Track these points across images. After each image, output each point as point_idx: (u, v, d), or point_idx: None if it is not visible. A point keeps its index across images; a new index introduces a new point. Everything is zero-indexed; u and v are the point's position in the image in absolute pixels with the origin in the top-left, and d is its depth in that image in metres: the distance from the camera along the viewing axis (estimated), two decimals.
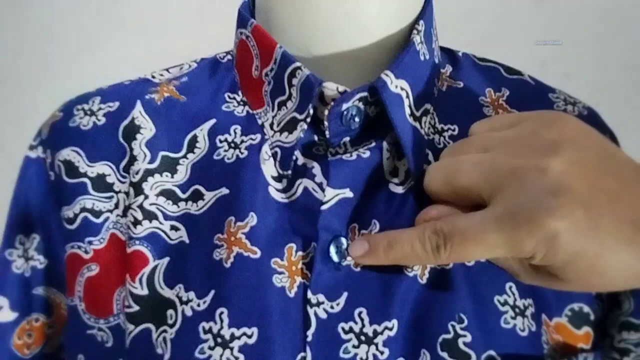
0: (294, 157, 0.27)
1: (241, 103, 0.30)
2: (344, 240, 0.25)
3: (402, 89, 0.26)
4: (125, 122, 0.29)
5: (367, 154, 0.26)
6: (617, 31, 1.05)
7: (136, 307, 0.26)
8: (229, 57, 0.33)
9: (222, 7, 1.25)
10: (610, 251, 0.21)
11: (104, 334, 0.28)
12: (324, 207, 0.25)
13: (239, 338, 0.24)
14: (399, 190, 0.27)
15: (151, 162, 0.28)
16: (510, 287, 0.26)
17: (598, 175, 0.21)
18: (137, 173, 0.28)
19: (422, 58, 0.28)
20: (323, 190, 0.26)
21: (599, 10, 1.05)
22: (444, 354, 0.24)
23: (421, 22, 0.29)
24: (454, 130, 0.30)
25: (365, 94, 0.26)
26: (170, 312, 0.25)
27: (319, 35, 0.28)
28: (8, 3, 1.29)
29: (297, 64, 0.26)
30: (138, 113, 0.30)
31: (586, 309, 0.28)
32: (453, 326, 0.24)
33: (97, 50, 1.27)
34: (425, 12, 0.30)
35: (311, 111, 0.26)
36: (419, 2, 0.30)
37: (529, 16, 1.08)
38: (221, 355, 0.24)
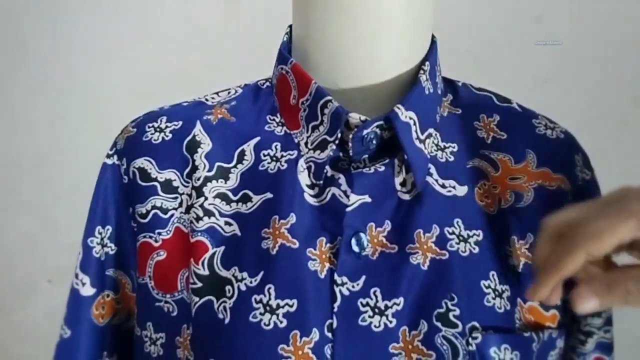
0: (325, 170, 0.34)
1: (280, 124, 0.37)
2: (363, 235, 0.33)
3: (410, 118, 0.34)
4: (188, 138, 0.37)
5: (382, 168, 0.34)
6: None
7: (199, 284, 0.33)
8: (268, 84, 0.40)
9: (242, 23, 1.33)
10: None
11: (170, 306, 0.35)
12: (348, 209, 0.33)
13: (282, 307, 0.31)
14: (407, 197, 0.34)
15: (209, 170, 0.36)
16: (493, 275, 0.33)
17: None
18: (198, 179, 0.36)
19: (427, 92, 0.36)
20: (347, 196, 0.33)
21: None
22: (438, 324, 0.31)
23: (427, 63, 0.36)
24: (454, 147, 0.37)
25: (381, 122, 0.33)
26: (228, 287, 0.33)
27: (346, 74, 0.35)
28: (36, 15, 1.36)
29: (329, 97, 0.34)
30: (198, 131, 0.37)
31: None
32: (446, 303, 0.32)
33: (121, 59, 1.35)
34: (431, 54, 0.37)
35: (339, 135, 0.33)
36: (425, 46, 0.37)
37: None
38: (270, 320, 0.31)
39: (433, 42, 0.38)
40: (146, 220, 0.36)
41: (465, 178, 0.36)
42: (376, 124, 0.33)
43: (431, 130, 0.36)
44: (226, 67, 1.03)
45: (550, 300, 0.28)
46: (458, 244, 0.34)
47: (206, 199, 0.35)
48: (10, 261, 1.44)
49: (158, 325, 0.36)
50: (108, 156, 0.39)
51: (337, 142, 0.34)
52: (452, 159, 0.36)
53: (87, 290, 0.38)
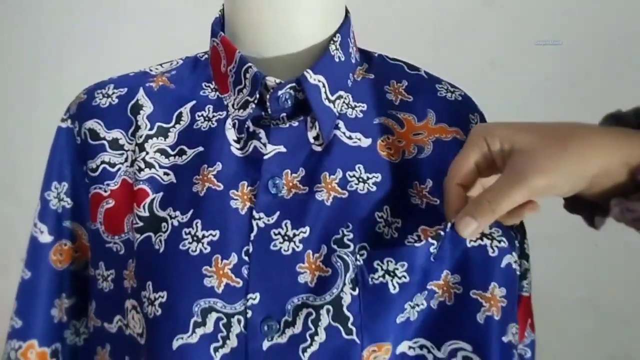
0: (246, 126, 0.40)
1: (213, 90, 0.43)
2: (278, 179, 0.39)
3: (319, 81, 0.40)
4: (132, 102, 0.43)
5: (296, 124, 0.40)
6: None
7: (141, 224, 0.39)
8: (206, 56, 0.46)
9: (208, 11, 1.36)
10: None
11: (117, 246, 0.41)
12: (265, 157, 0.39)
13: (207, 237, 0.37)
14: (318, 149, 0.41)
15: (150, 129, 0.42)
16: (386, 209, 0.39)
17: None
18: (140, 137, 0.41)
19: (337, 60, 0.42)
20: (266, 147, 0.39)
21: None
22: (334, 246, 0.37)
23: (338, 34, 0.42)
24: (363, 107, 0.43)
25: (293, 84, 0.39)
26: (163, 224, 0.39)
27: (266, 45, 0.41)
28: (20, 4, 1.37)
29: (249, 64, 0.40)
30: (141, 96, 0.43)
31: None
32: (342, 230, 0.38)
33: (99, 46, 1.37)
34: (343, 27, 0.43)
35: (257, 95, 0.39)
36: (338, 20, 0.43)
37: None
38: (196, 247, 0.37)
39: (347, 17, 0.44)
40: (96, 174, 0.42)
41: (370, 132, 0.42)
42: (289, 85, 0.39)
43: (341, 93, 0.42)
44: (203, 47, 1.08)
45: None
46: (357, 184, 0.40)
47: (147, 153, 0.41)
48: None
49: (108, 264, 0.41)
50: (62, 120, 0.44)
51: (256, 101, 0.39)
52: (361, 116, 0.42)
53: (45, 238, 0.44)
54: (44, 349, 0.43)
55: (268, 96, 0.39)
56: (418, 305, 0.38)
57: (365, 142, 0.41)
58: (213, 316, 0.36)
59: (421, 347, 0.38)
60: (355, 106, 0.43)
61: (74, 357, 0.45)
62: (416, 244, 0.37)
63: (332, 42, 0.42)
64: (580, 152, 0.34)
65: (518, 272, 0.40)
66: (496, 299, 0.38)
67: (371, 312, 0.36)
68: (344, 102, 0.42)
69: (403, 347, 0.38)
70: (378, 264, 0.37)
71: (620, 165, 0.34)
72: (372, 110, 0.43)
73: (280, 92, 0.39)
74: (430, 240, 0.37)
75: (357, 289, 0.37)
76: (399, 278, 0.37)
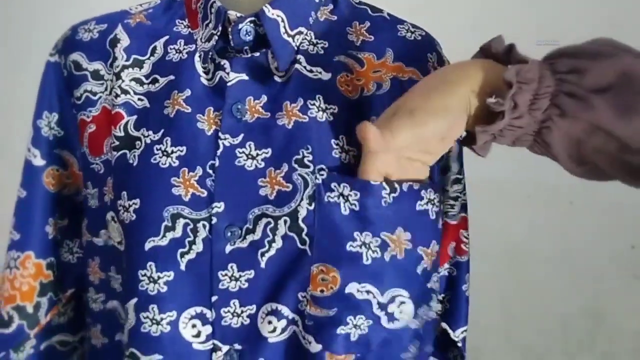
0: (210, 56, 0.44)
1: (186, 27, 0.47)
2: (241, 105, 0.43)
3: (278, 16, 0.44)
4: (111, 36, 0.47)
5: (258, 54, 0.44)
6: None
7: (117, 143, 0.44)
8: None
9: None
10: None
11: (98, 166, 0.46)
12: (229, 84, 0.43)
13: (175, 152, 0.42)
14: (280, 80, 0.45)
15: (127, 60, 0.46)
16: (342, 138, 0.44)
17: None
18: (117, 67, 0.46)
19: None
20: (229, 75, 0.44)
21: None
22: (295, 165, 0.42)
23: None
24: (325, 44, 0.46)
25: (253, 18, 0.43)
26: (137, 142, 0.43)
27: None
28: None
29: (214, 0, 0.44)
30: (119, 31, 0.47)
31: None
32: (302, 152, 0.42)
33: (81, 4, 1.39)
34: None
35: (220, 28, 0.43)
36: None
37: None
38: (166, 161, 0.42)
39: None
40: (80, 102, 0.46)
41: (330, 68, 0.46)
42: (248, 19, 0.43)
43: (302, 29, 0.46)
44: None
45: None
46: (317, 112, 0.44)
47: (123, 81, 0.45)
48: None
49: (94, 183, 0.47)
50: (51, 55, 0.48)
51: (219, 34, 0.44)
52: (322, 52, 0.46)
53: (38, 162, 0.48)
54: (39, 261, 0.49)
55: (230, 29, 0.43)
56: (372, 251, 0.41)
57: (326, 76, 0.45)
58: (181, 222, 0.41)
59: (368, 292, 0.41)
60: (317, 43, 0.46)
61: (67, 272, 0.50)
62: (372, 182, 0.41)
63: None
64: (433, 86, 0.41)
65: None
66: (432, 253, 0.44)
67: (323, 226, 0.41)
68: (304, 38, 0.46)
69: (351, 288, 0.41)
70: (335, 186, 0.41)
71: (469, 95, 0.40)
72: (333, 48, 0.47)
73: (240, 25, 0.43)
74: (383, 184, 0.41)
75: (312, 205, 0.41)
76: (351, 204, 0.41)
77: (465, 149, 0.47)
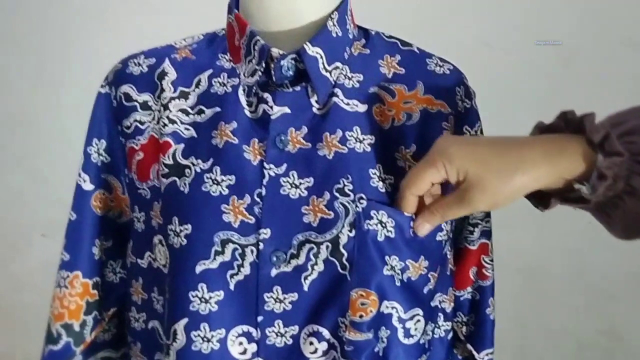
0: (254, 90, 0.47)
1: (228, 60, 0.50)
2: (284, 136, 0.46)
3: (317, 53, 0.47)
4: (159, 70, 0.50)
5: (299, 89, 0.47)
6: None
7: (166, 170, 0.47)
8: (223, 32, 0.53)
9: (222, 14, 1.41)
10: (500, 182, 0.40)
11: (144, 191, 0.49)
12: (272, 117, 0.46)
13: (225, 181, 0.45)
14: (319, 112, 0.47)
15: (174, 92, 0.49)
16: (379, 167, 0.46)
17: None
18: (165, 99, 0.49)
19: (334, 35, 0.48)
20: (272, 109, 0.46)
21: None
22: (337, 194, 0.45)
23: (335, 12, 0.49)
24: (360, 77, 0.49)
25: (294, 55, 0.46)
26: (187, 170, 0.46)
27: (272, 20, 0.48)
28: None
29: (258, 37, 0.47)
30: (166, 65, 0.50)
31: None
32: (343, 181, 0.45)
33: (109, 23, 1.44)
34: (341, 6, 0.49)
35: (264, 65, 0.46)
36: (336, 0, 0.49)
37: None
38: (216, 189, 0.45)
39: None
40: (130, 131, 0.49)
41: (366, 99, 0.48)
42: (290, 56, 0.46)
43: (338, 64, 0.49)
44: (202, 27, 1.14)
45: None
46: (355, 143, 0.47)
47: (171, 112, 0.48)
48: (3, 216, 1.55)
49: (140, 207, 0.49)
50: (102, 87, 0.52)
51: (262, 69, 0.46)
52: (357, 85, 0.49)
53: (88, 186, 0.51)
54: (86, 280, 0.51)
55: (273, 65, 0.46)
56: (396, 273, 0.45)
57: (362, 108, 0.48)
58: (230, 246, 0.44)
59: (393, 307, 0.45)
60: (352, 77, 0.49)
61: (111, 292, 0.53)
62: (405, 214, 0.44)
63: (330, 18, 0.48)
64: (522, 185, 0.41)
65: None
66: (436, 276, 0.47)
67: (362, 252, 0.44)
68: (340, 72, 0.49)
69: (383, 307, 0.44)
70: (374, 214, 0.44)
71: (556, 180, 0.41)
72: (367, 81, 0.49)
73: (283, 62, 0.46)
74: (413, 217, 0.45)
75: (353, 232, 0.44)
76: (388, 231, 0.44)
77: None
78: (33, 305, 1.50)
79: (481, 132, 0.51)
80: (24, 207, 1.51)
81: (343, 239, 0.44)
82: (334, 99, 0.48)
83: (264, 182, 0.45)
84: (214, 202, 0.44)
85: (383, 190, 0.46)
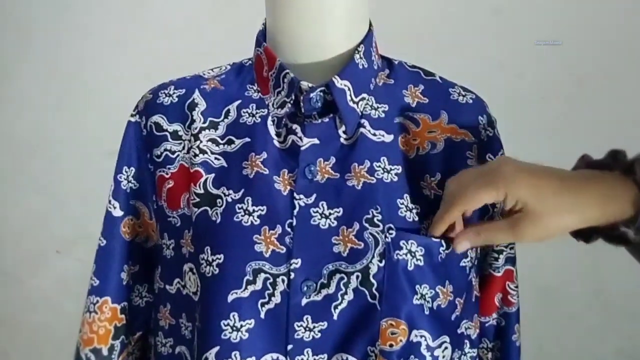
0: (283, 122, 0.48)
1: (256, 91, 0.51)
2: (313, 167, 0.47)
3: (345, 85, 0.48)
4: (189, 100, 0.51)
5: (327, 120, 0.48)
6: None
7: (197, 199, 0.48)
8: (250, 62, 0.54)
9: (230, 16, 1.46)
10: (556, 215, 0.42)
11: (174, 219, 0.49)
12: (302, 148, 0.47)
13: (257, 211, 0.46)
14: (347, 142, 0.48)
15: (204, 123, 0.50)
16: (406, 196, 0.47)
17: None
18: (195, 129, 0.50)
19: (360, 67, 0.49)
20: (302, 140, 0.47)
21: None
22: (366, 224, 0.45)
23: (362, 45, 0.50)
24: (385, 108, 0.50)
25: (323, 88, 0.47)
26: (218, 200, 0.47)
27: (301, 53, 0.49)
28: (48, 4, 1.47)
29: (287, 70, 0.48)
30: (196, 95, 0.51)
31: None
32: (372, 211, 0.46)
33: (123, 48, 1.47)
34: (366, 38, 0.50)
35: (293, 97, 0.47)
36: (362, 32, 0.51)
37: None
38: (248, 219, 0.46)
39: (370, 30, 0.51)
40: (160, 160, 0.50)
41: (392, 130, 0.49)
42: (319, 89, 0.47)
43: (364, 95, 0.50)
44: (215, 54, 1.16)
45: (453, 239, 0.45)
46: (383, 173, 0.47)
47: (201, 142, 0.49)
48: (20, 234, 1.57)
49: (170, 234, 0.50)
50: (132, 116, 0.53)
51: (292, 102, 0.47)
52: (383, 116, 0.50)
53: (118, 213, 0.52)
54: (115, 305, 0.52)
55: (302, 97, 0.47)
56: (427, 301, 0.45)
57: (388, 138, 0.49)
58: (262, 276, 0.44)
59: (422, 336, 0.45)
60: (378, 107, 0.50)
61: (137, 316, 0.54)
62: (433, 239, 0.45)
63: (357, 51, 0.49)
64: (572, 225, 0.43)
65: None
66: (462, 302, 0.48)
67: (392, 282, 0.44)
68: (367, 103, 0.50)
69: (413, 336, 0.45)
70: (403, 244, 0.45)
71: (604, 221, 0.43)
72: (393, 111, 0.50)
73: (312, 95, 0.47)
74: (442, 241, 0.45)
75: (383, 262, 0.44)
76: (417, 260, 0.45)
77: None
78: (45, 323, 1.52)
79: None
80: (39, 225, 1.52)
81: (373, 269, 0.44)
82: (361, 129, 0.49)
83: (295, 212, 0.46)
84: (246, 232, 0.45)
85: (411, 219, 0.46)
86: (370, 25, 0.52)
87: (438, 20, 1.20)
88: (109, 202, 0.53)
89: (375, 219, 0.45)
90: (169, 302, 0.50)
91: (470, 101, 0.52)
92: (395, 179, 0.47)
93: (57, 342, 1.49)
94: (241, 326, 0.44)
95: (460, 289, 0.47)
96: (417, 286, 0.44)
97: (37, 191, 1.52)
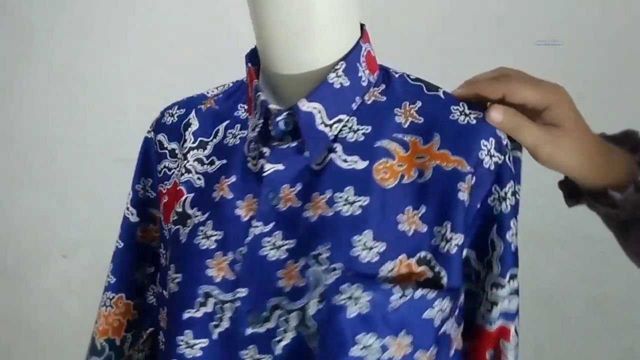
0: (252, 145, 0.46)
1: (246, 110, 0.51)
2: (274, 193, 0.44)
3: (314, 108, 0.43)
4: (185, 120, 0.53)
5: (294, 145, 0.44)
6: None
7: (176, 217, 0.50)
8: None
9: (225, 18, 1.45)
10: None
11: (166, 232, 0.52)
12: (264, 173, 0.44)
13: (214, 236, 0.46)
14: (315, 167, 0.45)
15: (193, 143, 0.52)
16: (367, 233, 0.42)
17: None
18: (185, 148, 0.52)
19: (337, 87, 0.44)
20: (267, 165, 0.45)
21: None
22: (312, 261, 0.42)
23: (342, 62, 0.44)
24: (367, 129, 0.45)
25: (289, 111, 0.44)
26: (189, 220, 0.48)
27: (284, 70, 0.45)
28: (47, 10, 1.47)
29: (260, 92, 0.46)
30: (192, 116, 0.53)
31: (429, 255, 0.42)
32: (320, 248, 0.42)
33: (125, 52, 1.47)
34: (351, 54, 0.45)
35: (263, 120, 0.45)
36: (346, 47, 0.45)
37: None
38: (205, 243, 0.46)
39: (358, 44, 0.46)
40: (161, 175, 0.54)
41: (368, 155, 0.44)
42: (285, 113, 0.44)
43: (342, 116, 0.45)
44: (218, 62, 1.17)
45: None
46: (343, 205, 0.43)
47: (188, 161, 0.51)
48: (25, 235, 1.59)
49: (164, 244, 0.53)
50: (148, 132, 0.57)
51: (261, 123, 0.45)
52: (362, 139, 0.44)
53: (134, 219, 0.57)
54: (129, 301, 0.57)
55: (270, 120, 0.45)
56: (372, 355, 0.40)
57: (361, 164, 0.44)
58: (212, 300, 0.45)
59: None
60: (358, 129, 0.45)
61: (149, 314, 0.58)
62: (387, 286, 0.40)
63: (333, 69, 0.45)
64: (576, 165, 0.46)
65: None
66: (430, 356, 0.42)
67: (330, 328, 0.40)
68: (344, 125, 0.45)
69: None
70: (346, 287, 0.40)
71: (598, 180, 0.47)
72: (376, 133, 0.45)
73: (278, 118, 0.44)
74: (399, 287, 0.40)
75: (322, 304, 0.40)
76: (361, 306, 0.40)
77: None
78: (48, 324, 1.53)
79: (514, 195, 0.44)
80: (44, 228, 1.54)
81: (311, 310, 0.41)
82: (332, 155, 0.44)
83: (247, 240, 0.44)
84: (201, 256, 0.46)
85: (366, 260, 0.41)
86: (362, 38, 0.47)
87: (438, 22, 1.21)
88: (127, 208, 0.57)
89: (321, 256, 0.41)
90: (165, 305, 0.53)
91: (474, 122, 0.44)
92: (359, 212, 0.42)
93: (59, 343, 1.51)
94: (195, 344, 0.45)
95: (424, 341, 0.41)
96: (359, 336, 0.40)
97: (42, 193, 1.53)
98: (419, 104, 0.46)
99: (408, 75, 0.49)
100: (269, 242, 0.44)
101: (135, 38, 1.45)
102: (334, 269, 0.41)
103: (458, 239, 0.42)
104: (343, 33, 0.46)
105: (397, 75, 0.48)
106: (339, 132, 0.45)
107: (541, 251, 1.18)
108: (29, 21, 1.51)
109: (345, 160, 0.44)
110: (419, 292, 0.40)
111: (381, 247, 0.42)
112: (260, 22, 0.45)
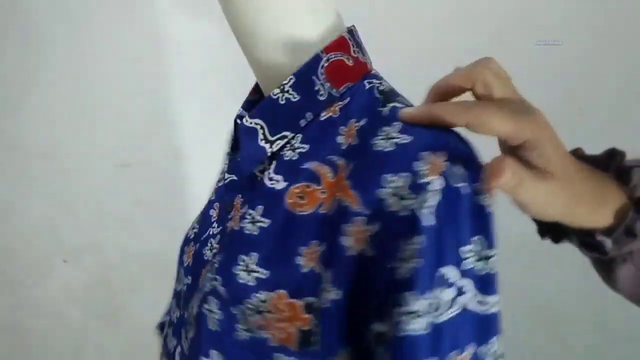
0: (225, 157, 0.50)
1: None
2: (219, 204, 0.48)
3: (256, 124, 0.42)
4: None
5: (239, 158, 0.44)
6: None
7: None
8: None
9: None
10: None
11: None
12: (219, 183, 0.48)
13: (195, 228, 0.51)
14: (267, 182, 0.41)
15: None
16: (254, 256, 0.38)
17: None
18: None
19: (282, 102, 0.41)
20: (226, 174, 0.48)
21: None
22: (210, 267, 0.43)
23: (290, 77, 0.41)
24: (304, 149, 0.40)
25: (235, 125, 0.46)
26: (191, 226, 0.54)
27: (259, 81, 0.46)
28: (53, 16, 1.48)
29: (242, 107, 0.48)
30: None
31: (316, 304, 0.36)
32: (217, 258, 0.42)
33: (130, 61, 1.47)
34: (306, 65, 0.40)
35: (232, 129, 0.48)
36: (302, 59, 0.41)
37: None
38: (191, 232, 0.52)
39: (316, 57, 0.41)
40: None
41: (291, 177, 0.39)
42: (232, 127, 0.47)
43: (286, 133, 0.41)
44: (226, 71, 1.15)
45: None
46: (247, 223, 0.40)
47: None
48: (28, 241, 1.60)
49: None
50: None
51: (232, 133, 0.48)
52: (295, 158, 0.40)
53: None
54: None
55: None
56: None
57: (281, 185, 0.40)
58: (182, 280, 0.50)
59: None
60: (297, 148, 0.41)
61: None
62: (248, 313, 0.37)
63: (280, 85, 0.41)
64: (559, 212, 0.38)
65: None
66: None
67: (198, 329, 0.40)
68: (287, 142, 0.41)
69: None
70: (211, 299, 0.40)
71: (585, 223, 0.39)
72: (310, 153, 0.40)
73: (232, 132, 0.47)
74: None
75: (198, 308, 0.41)
76: (213, 324, 0.39)
77: None
78: (51, 330, 1.55)
79: (416, 255, 0.32)
80: (47, 233, 1.55)
81: (194, 310, 0.43)
82: (266, 172, 0.42)
83: (202, 237, 0.49)
84: (186, 242, 0.52)
85: (243, 281, 0.38)
86: (327, 47, 0.41)
87: (438, 23, 1.19)
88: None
89: (214, 265, 0.42)
90: None
91: (391, 148, 0.35)
92: (255, 232, 0.39)
93: (62, 350, 1.51)
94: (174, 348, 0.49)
95: None
96: (211, 350, 0.39)
97: (45, 199, 1.54)
98: (363, 122, 0.38)
99: (379, 86, 0.41)
100: (210, 243, 0.47)
101: (140, 47, 1.46)
102: (215, 279, 0.41)
103: (334, 293, 0.35)
104: (297, 43, 0.42)
105: (367, 86, 0.41)
106: (280, 149, 0.42)
107: (538, 265, 1.14)
108: (36, 32, 1.52)
109: (270, 179, 0.41)
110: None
111: (262, 274, 0.38)
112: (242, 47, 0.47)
